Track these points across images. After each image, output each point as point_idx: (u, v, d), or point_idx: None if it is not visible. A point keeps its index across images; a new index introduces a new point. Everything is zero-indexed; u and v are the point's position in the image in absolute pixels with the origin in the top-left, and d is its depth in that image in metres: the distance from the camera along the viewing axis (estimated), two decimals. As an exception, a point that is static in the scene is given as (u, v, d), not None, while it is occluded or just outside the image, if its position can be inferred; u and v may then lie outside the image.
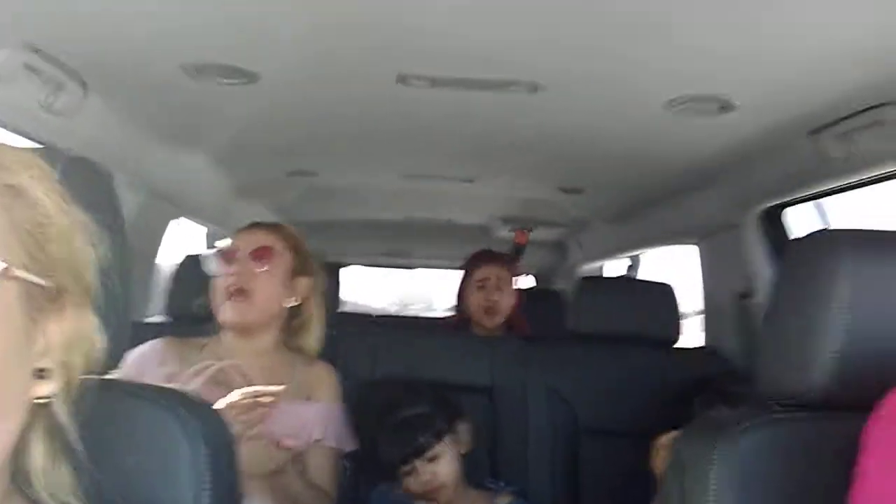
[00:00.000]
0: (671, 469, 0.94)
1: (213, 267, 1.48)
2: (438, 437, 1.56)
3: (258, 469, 1.34)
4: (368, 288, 6.24)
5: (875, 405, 0.74)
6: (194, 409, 0.71)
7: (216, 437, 0.72)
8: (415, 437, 1.54)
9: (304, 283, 1.53)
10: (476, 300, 2.31)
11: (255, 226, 1.55)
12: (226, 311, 1.45)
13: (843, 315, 0.83)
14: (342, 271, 4.12)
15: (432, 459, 1.55)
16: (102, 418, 0.61)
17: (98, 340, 0.57)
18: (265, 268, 1.46)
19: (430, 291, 6.54)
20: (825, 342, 0.84)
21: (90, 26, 1.13)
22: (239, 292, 1.44)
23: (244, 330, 1.48)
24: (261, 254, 1.47)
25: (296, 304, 1.52)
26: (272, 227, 1.55)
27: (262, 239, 1.49)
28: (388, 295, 6.75)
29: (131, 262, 0.78)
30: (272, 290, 1.47)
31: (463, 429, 1.64)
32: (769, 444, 0.85)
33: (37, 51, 1.19)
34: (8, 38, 1.14)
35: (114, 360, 0.74)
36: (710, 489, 0.84)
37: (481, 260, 2.36)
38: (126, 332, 0.75)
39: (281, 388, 1.24)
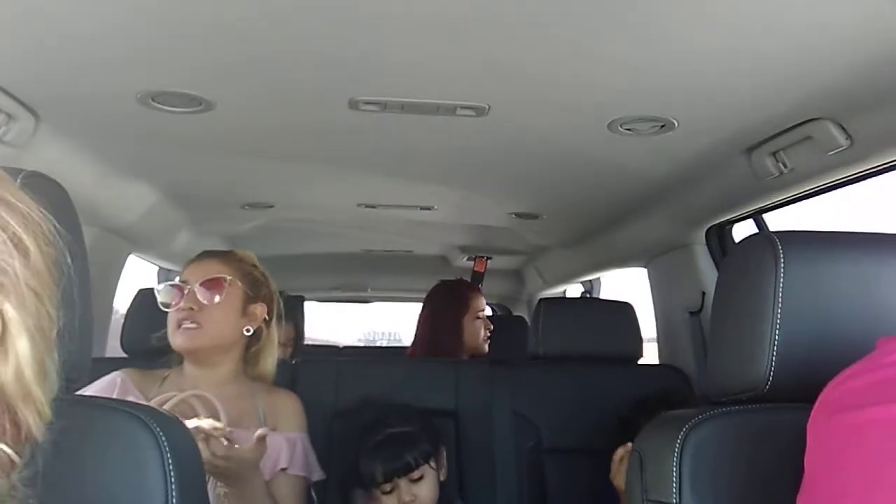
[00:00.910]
0: (631, 469, 0.97)
1: (164, 301, 1.47)
2: (425, 458, 1.55)
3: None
4: (333, 324, 6.21)
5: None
6: (163, 422, 0.71)
7: (183, 448, 0.72)
8: (402, 455, 1.53)
9: (259, 309, 1.52)
10: (477, 330, 2.42)
11: (205, 255, 1.54)
12: (176, 338, 1.44)
13: (781, 311, 0.88)
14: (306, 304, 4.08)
15: (416, 480, 1.54)
16: (73, 432, 0.61)
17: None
18: (216, 299, 1.45)
19: (397, 325, 6.54)
20: (766, 337, 0.88)
21: (43, 56, 1.14)
22: (191, 324, 1.44)
23: (200, 358, 1.47)
24: (210, 285, 1.46)
25: (252, 332, 1.51)
26: (222, 256, 1.54)
27: (211, 269, 1.48)
28: (353, 330, 6.71)
29: (89, 286, 0.78)
30: (225, 320, 1.46)
31: (443, 455, 1.64)
32: (723, 435, 0.88)
33: (-12, 81, 1.19)
34: (-42, 68, 1.14)
35: (73, 382, 0.74)
36: (672, 482, 0.86)
37: (477, 291, 2.51)
38: (87, 360, 0.75)
39: (220, 424, 1.24)
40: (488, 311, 4.28)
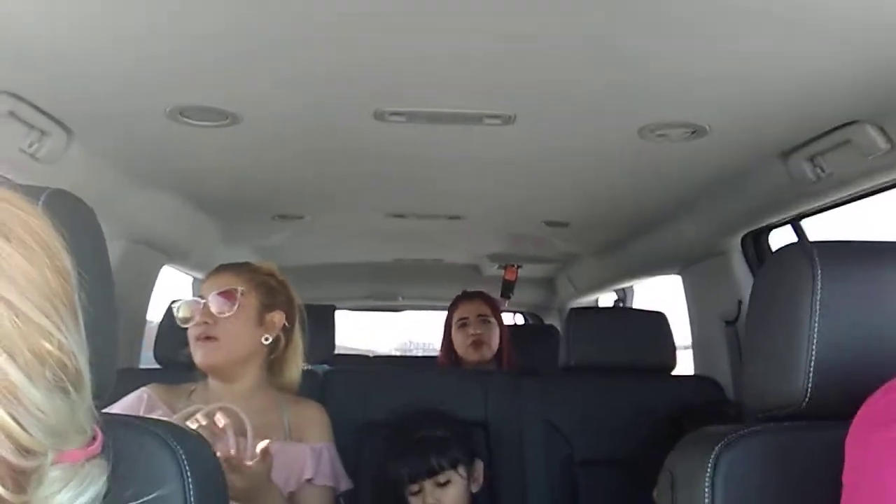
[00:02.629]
0: (662, 486, 0.94)
1: (183, 317, 1.49)
2: (453, 464, 1.57)
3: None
4: (370, 333, 6.24)
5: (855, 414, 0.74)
6: (182, 438, 0.71)
7: (205, 465, 0.72)
8: (428, 457, 1.54)
9: (276, 317, 1.52)
10: (460, 338, 2.43)
11: (220, 268, 1.56)
12: (196, 355, 1.46)
13: (818, 324, 0.84)
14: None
15: (442, 485, 1.54)
16: None
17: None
18: (229, 311, 1.46)
19: (431, 334, 6.54)
20: (803, 352, 0.85)
21: (74, 73, 1.16)
22: (206, 338, 1.44)
23: (220, 372, 1.48)
24: (223, 297, 1.47)
25: (272, 340, 1.51)
26: (236, 268, 1.55)
27: (224, 282, 1.50)
28: (388, 340, 6.74)
29: (114, 302, 0.79)
30: (238, 331, 1.47)
31: (479, 467, 1.64)
32: (756, 455, 0.85)
33: (21, 98, 1.21)
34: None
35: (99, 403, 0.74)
36: (703, 501, 0.83)
37: (459, 300, 2.51)
38: (112, 376, 0.75)
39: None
40: (517, 319, 4.33)
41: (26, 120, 1.26)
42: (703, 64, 1.12)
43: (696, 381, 2.15)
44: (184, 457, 0.69)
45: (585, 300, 3.56)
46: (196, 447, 0.72)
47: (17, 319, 0.49)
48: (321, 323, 2.31)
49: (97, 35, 1.03)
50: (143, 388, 1.49)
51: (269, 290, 1.53)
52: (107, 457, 0.58)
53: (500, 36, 1.04)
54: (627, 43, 1.05)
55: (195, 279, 2.90)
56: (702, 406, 1.68)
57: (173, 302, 1.56)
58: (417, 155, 1.65)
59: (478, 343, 2.38)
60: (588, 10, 0.96)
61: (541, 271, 3.54)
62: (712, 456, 0.84)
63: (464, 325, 2.43)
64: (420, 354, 6.06)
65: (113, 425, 0.71)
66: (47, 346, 0.50)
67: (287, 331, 1.54)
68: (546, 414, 1.93)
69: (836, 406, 0.80)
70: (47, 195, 0.69)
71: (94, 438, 0.56)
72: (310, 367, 1.75)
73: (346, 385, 1.90)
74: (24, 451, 0.49)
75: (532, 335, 3.56)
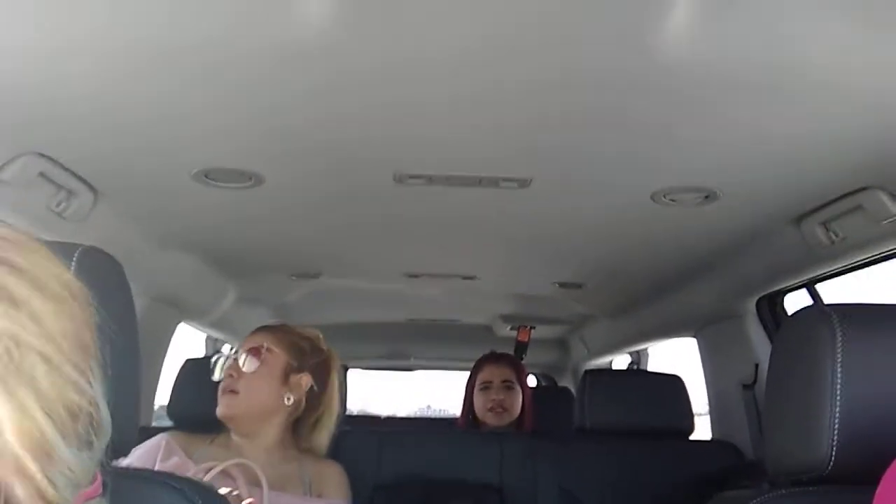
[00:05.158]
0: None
1: (216, 371, 1.51)
2: None
3: None
4: (385, 398, 6.14)
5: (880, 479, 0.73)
6: (202, 493, 0.71)
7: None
8: None
9: (304, 379, 1.53)
10: (480, 401, 2.38)
11: (259, 328, 1.59)
12: (219, 407, 1.48)
13: (840, 388, 0.84)
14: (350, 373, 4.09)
15: None
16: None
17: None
18: (252, 367, 1.48)
19: (449, 399, 6.41)
20: (826, 416, 0.84)
21: (102, 135, 1.20)
22: (230, 392, 1.46)
23: (239, 425, 1.49)
24: (250, 354, 1.50)
25: (294, 400, 1.51)
26: (273, 328, 1.58)
27: (256, 340, 1.53)
28: (406, 404, 6.62)
29: (139, 358, 0.80)
30: (258, 386, 1.48)
31: None
32: None
33: (50, 159, 1.25)
34: (24, 147, 1.21)
35: (118, 454, 0.75)
36: None
37: (484, 362, 2.46)
38: (134, 427, 0.76)
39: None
40: (533, 382, 4.29)
41: (55, 180, 1.30)
42: (713, 131, 1.14)
43: (716, 446, 2.11)
44: None
45: (599, 362, 3.52)
46: (212, 502, 0.72)
47: (54, 376, 0.49)
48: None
49: (125, 98, 1.07)
50: (161, 435, 1.50)
51: (299, 351, 1.54)
52: (106, 498, 0.58)
53: (517, 102, 1.07)
54: (640, 111, 1.09)
55: (208, 337, 2.91)
56: (728, 481, 1.64)
57: (194, 358, 1.58)
58: (434, 216, 1.68)
59: (498, 409, 2.33)
60: (602, 80, 1.00)
61: (554, 332, 3.53)
62: None
63: (486, 388, 2.38)
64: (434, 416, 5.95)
65: (134, 480, 0.71)
66: (79, 400, 0.51)
67: (315, 394, 1.54)
68: (562, 480, 1.89)
69: (861, 470, 0.79)
70: (80, 252, 0.71)
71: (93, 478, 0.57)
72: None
73: (359, 445, 1.88)
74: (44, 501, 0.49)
75: (546, 396, 3.52)
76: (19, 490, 0.47)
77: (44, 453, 0.48)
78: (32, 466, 0.47)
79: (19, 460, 0.46)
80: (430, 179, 1.37)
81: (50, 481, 0.48)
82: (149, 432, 1.75)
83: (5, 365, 0.47)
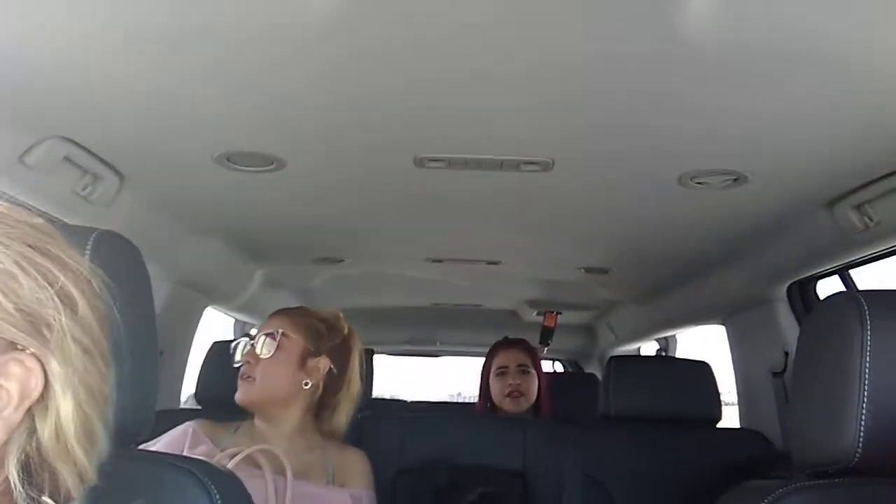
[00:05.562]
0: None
1: (236, 356, 1.52)
2: None
3: None
4: (416, 381, 6.17)
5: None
6: (217, 477, 0.71)
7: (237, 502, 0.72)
8: None
9: (322, 363, 1.53)
10: (497, 387, 2.38)
11: (276, 312, 1.58)
12: (238, 393, 1.49)
13: (868, 377, 0.81)
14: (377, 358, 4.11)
15: None
16: (128, 488, 0.61)
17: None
18: (269, 353, 1.48)
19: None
20: (853, 406, 0.82)
21: (127, 119, 1.21)
22: (247, 377, 1.47)
23: (259, 411, 1.50)
24: (266, 338, 1.50)
25: (312, 385, 1.52)
26: (287, 312, 1.57)
27: (273, 324, 1.52)
28: (439, 388, 6.63)
29: (156, 341, 0.80)
30: (275, 372, 1.48)
31: None
32: None
33: (76, 143, 1.27)
34: (49, 130, 1.22)
35: (133, 437, 0.75)
36: None
37: (498, 347, 2.46)
38: (150, 410, 0.77)
39: None
40: (556, 366, 4.27)
41: (80, 164, 1.32)
42: (741, 111, 1.11)
43: (744, 435, 2.08)
44: (218, 498, 0.69)
45: (626, 349, 3.49)
46: (230, 487, 0.73)
47: (92, 367, 0.53)
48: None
49: (147, 81, 1.07)
50: (188, 423, 1.51)
51: (316, 334, 1.54)
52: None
53: (539, 83, 1.05)
54: (665, 91, 1.06)
55: (236, 321, 2.94)
56: (755, 471, 1.62)
57: (220, 341, 1.59)
58: (456, 200, 1.67)
59: (515, 394, 2.33)
60: (627, 57, 0.97)
61: (580, 318, 3.50)
62: None
63: (502, 374, 2.38)
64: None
65: (148, 462, 0.72)
66: (107, 389, 0.54)
67: (334, 377, 1.54)
68: (586, 466, 1.88)
69: (889, 463, 0.76)
70: (96, 236, 0.71)
71: None
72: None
73: (382, 431, 1.88)
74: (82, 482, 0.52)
75: (572, 383, 3.50)
76: (66, 475, 0.50)
77: (89, 441, 0.52)
78: (80, 453, 0.51)
79: (73, 449, 0.50)
80: (450, 163, 1.36)
81: (90, 464, 0.52)
82: (175, 416, 1.78)
83: (65, 356, 0.50)
